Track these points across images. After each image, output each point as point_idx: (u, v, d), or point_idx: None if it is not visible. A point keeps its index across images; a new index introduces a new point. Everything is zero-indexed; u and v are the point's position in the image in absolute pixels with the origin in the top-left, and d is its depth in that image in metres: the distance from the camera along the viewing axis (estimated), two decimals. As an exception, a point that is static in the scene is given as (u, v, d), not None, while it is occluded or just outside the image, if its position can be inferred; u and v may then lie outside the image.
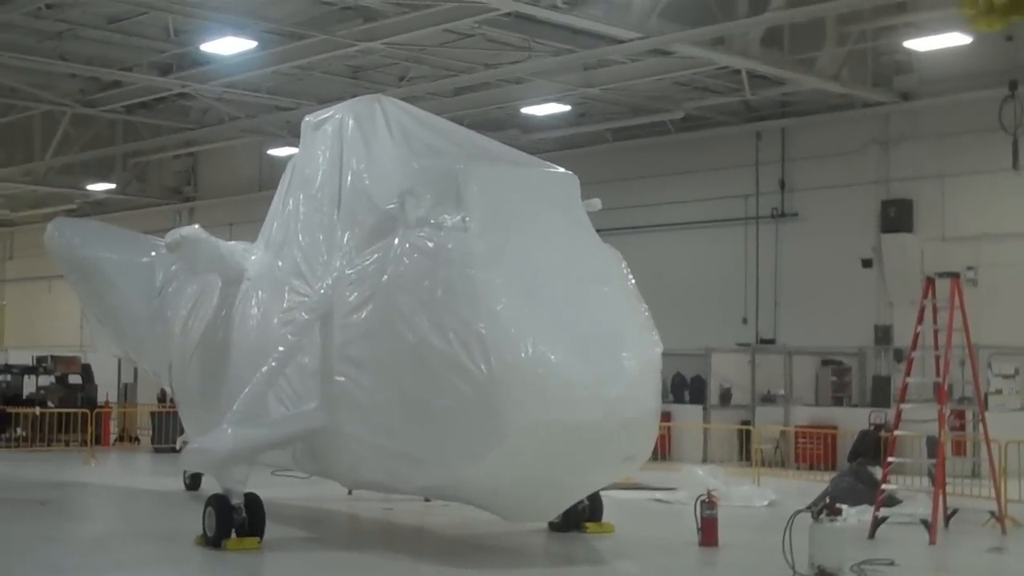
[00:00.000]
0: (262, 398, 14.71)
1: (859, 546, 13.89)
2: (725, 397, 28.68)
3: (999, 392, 25.22)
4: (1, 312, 32.46)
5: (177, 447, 22.46)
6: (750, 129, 32.50)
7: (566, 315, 13.20)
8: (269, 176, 41.89)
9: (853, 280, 30.66)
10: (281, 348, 14.73)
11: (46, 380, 31.33)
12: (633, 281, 14.40)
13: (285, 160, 38.54)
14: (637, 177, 33.77)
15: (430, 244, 13.54)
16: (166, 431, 29.07)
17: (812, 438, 26.04)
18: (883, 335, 30.38)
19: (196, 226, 16.90)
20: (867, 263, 30.57)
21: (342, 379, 14.27)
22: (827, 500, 13.35)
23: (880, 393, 29.04)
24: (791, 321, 31.87)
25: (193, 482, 20.64)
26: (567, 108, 31.89)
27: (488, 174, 14.16)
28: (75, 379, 31.43)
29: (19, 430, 29.89)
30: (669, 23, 24.79)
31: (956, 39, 25.65)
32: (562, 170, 14.95)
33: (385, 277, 13.95)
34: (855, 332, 30.40)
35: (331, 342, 14.54)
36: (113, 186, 41.46)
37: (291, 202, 16.49)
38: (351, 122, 15.61)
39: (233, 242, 17.54)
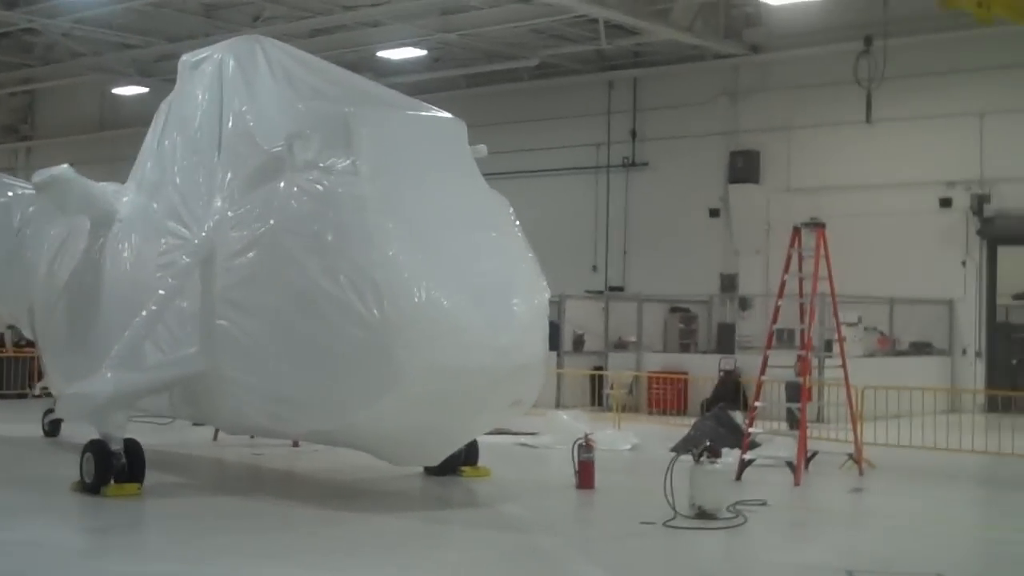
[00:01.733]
0: (141, 342, 14.46)
1: (728, 488, 14.27)
2: (578, 343, 29.11)
3: (843, 339, 26.02)
4: None
5: (36, 392, 21.96)
6: (603, 78, 32.95)
7: (457, 261, 13.28)
8: (111, 115, 41.11)
9: (701, 229, 31.42)
10: (161, 292, 14.48)
11: None
12: (519, 227, 14.54)
13: (130, 99, 38.13)
14: (491, 124, 33.56)
15: (320, 187, 13.46)
16: (11, 377, 28.36)
17: (664, 383, 26.64)
18: (728, 283, 31.24)
19: (65, 166, 16.40)
20: (714, 213, 31.36)
21: (224, 323, 14.11)
22: (708, 443, 13.72)
23: (726, 340, 29.85)
24: (640, 269, 32.50)
25: (52, 428, 20.25)
26: (423, 53, 31.89)
27: (378, 118, 14.12)
28: (-90, 324, 30.33)
29: None
30: (530, -30, 25.02)
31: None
32: (450, 115, 14.97)
33: (271, 220, 13.81)
34: (702, 280, 31.18)
35: (212, 286, 14.34)
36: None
37: (166, 143, 16.15)
38: (231, 62, 15.36)
39: (104, 183, 17.10)
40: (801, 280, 17.46)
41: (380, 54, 31.66)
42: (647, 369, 27.41)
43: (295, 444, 19.07)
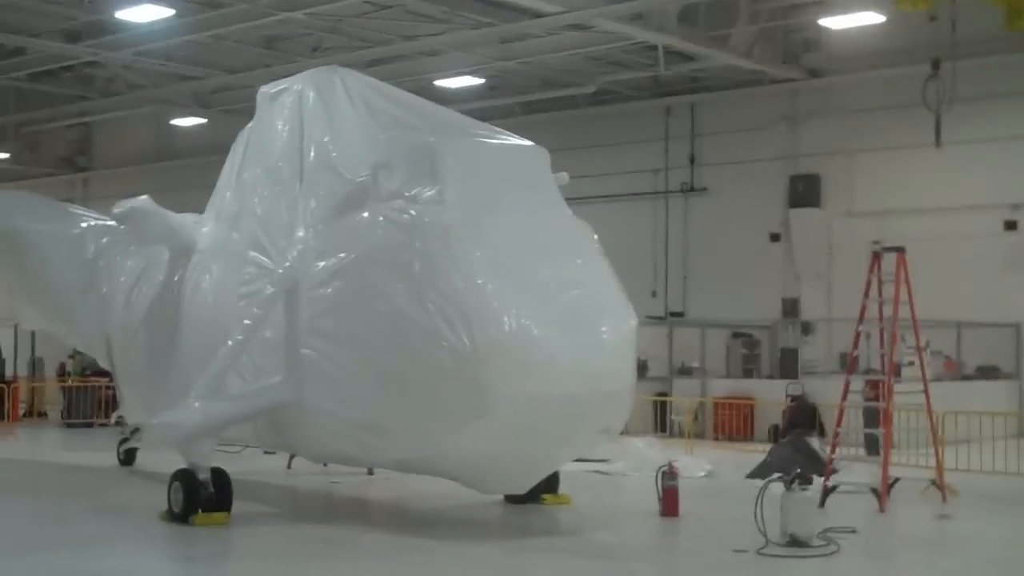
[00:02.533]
0: (227, 372, 14.53)
1: (818, 515, 14.16)
2: (641, 369, 28.92)
3: (911, 364, 25.86)
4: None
5: (112, 422, 22.12)
6: (660, 104, 32.95)
7: (545, 289, 13.29)
8: (167, 146, 41.45)
9: (761, 254, 31.28)
10: (247, 322, 14.57)
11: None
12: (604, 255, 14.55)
13: (186, 130, 38.39)
14: (548, 151, 33.86)
15: (406, 217, 13.51)
16: (77, 406, 28.61)
17: (730, 409, 26.52)
18: (790, 308, 31.08)
19: (145, 197, 16.54)
20: (775, 237, 31.24)
21: (309, 352, 14.18)
22: (798, 471, 13.63)
23: (788, 365, 29.69)
24: (700, 294, 32.41)
25: (127, 457, 20.42)
26: (481, 81, 31.97)
27: (462, 147, 14.17)
28: (-18, 355, 30.78)
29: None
30: (591, -1, 25.07)
31: (870, 18, 26.38)
32: (532, 144, 15.01)
33: (357, 250, 13.88)
34: (763, 305, 31.03)
35: (297, 315, 14.41)
36: (6, 156, 40.42)
37: (246, 174, 16.25)
38: (311, 93, 15.45)
39: (183, 214, 17.22)
40: (881, 305, 17.27)
41: (437, 83, 31.72)
42: (712, 395, 27.30)
43: (370, 472, 19.11)
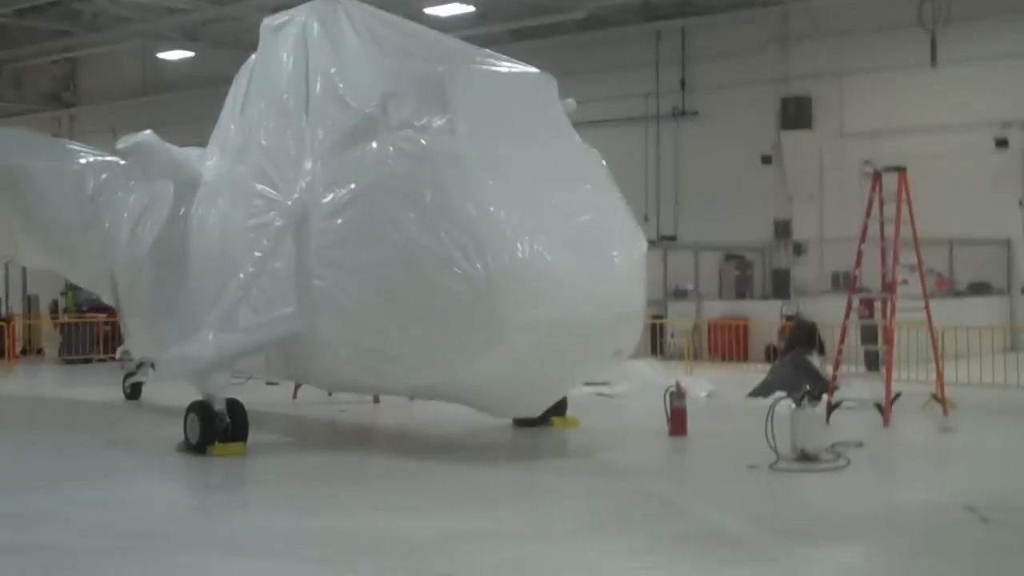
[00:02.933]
0: (239, 304, 14.65)
1: (827, 430, 14.42)
2: (636, 293, 29.17)
3: (905, 282, 26.08)
4: None
5: (117, 356, 22.25)
6: (650, 28, 32.95)
7: (556, 215, 13.41)
8: (154, 80, 41.26)
9: (752, 177, 31.43)
10: (257, 253, 14.65)
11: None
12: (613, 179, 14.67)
13: (174, 64, 38.19)
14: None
15: (417, 146, 13.58)
16: (75, 342, 28.72)
17: (725, 330, 26.78)
18: (782, 229, 31.28)
19: (149, 132, 16.52)
20: (766, 160, 31.36)
21: (321, 283, 14.30)
22: (807, 387, 13.86)
23: (781, 286, 30.02)
24: (692, 218, 32.58)
25: (133, 391, 20.61)
26: (471, 9, 31.87)
27: (471, 75, 14.20)
28: (-23, 293, 30.84)
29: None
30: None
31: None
32: (539, 71, 15.07)
33: (367, 180, 13.96)
34: (755, 228, 31.24)
35: (307, 246, 14.51)
36: (-8, 92, 40.32)
37: (250, 107, 16.25)
38: (315, 25, 15.42)
39: (187, 148, 17.22)
40: (882, 224, 17.45)
41: (428, 11, 31.58)
42: (707, 316, 27.55)
43: (375, 400, 19.34)
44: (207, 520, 11.37)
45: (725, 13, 31.52)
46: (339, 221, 14.23)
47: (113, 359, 28.39)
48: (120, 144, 16.64)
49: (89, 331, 28.75)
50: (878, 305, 25.83)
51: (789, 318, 26.03)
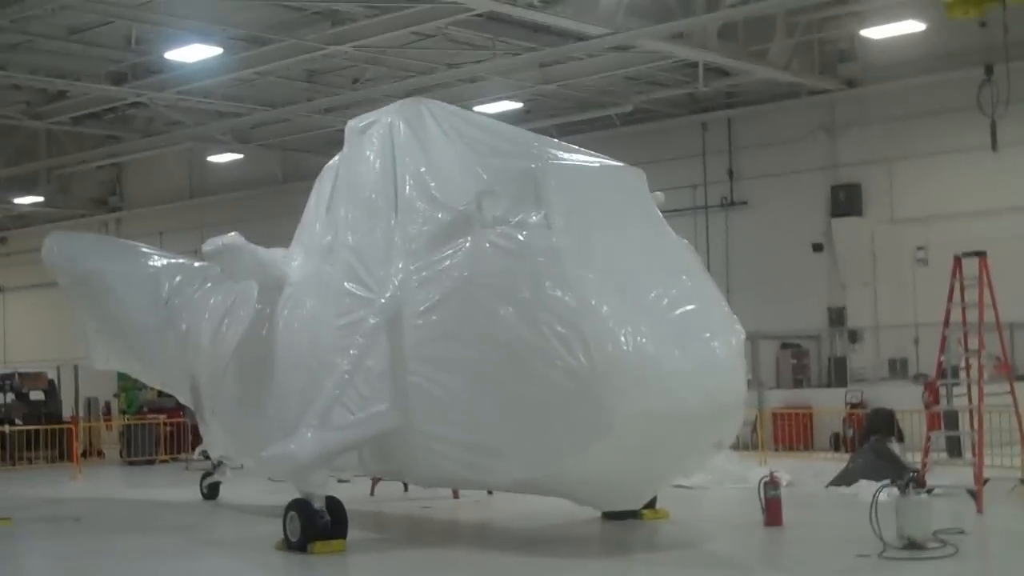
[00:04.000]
0: (336, 402, 14.73)
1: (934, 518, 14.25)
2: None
3: (968, 368, 26.00)
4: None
5: (195, 456, 22.32)
6: (696, 120, 33.21)
7: (656, 307, 13.51)
8: (200, 183, 41.74)
9: (804, 264, 31.48)
10: (352, 352, 14.76)
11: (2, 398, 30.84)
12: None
13: (220, 167, 38.69)
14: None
15: (515, 242, 13.74)
16: (138, 444, 28.82)
17: (789, 419, 26.72)
18: (837, 317, 31.26)
19: (234, 233, 16.75)
20: (818, 247, 31.42)
21: (417, 379, 14.39)
22: (913, 474, 13.84)
23: (838, 373, 29.99)
24: (745, 307, 32.15)
25: (211, 491, 20.64)
26: (519, 105, 32.25)
27: (564, 171, 14.41)
28: (36, 395, 30.96)
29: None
30: (633, 19, 25.31)
31: (911, 26, 26.68)
32: (627, 165, 15.28)
33: (464, 276, 14.11)
34: (809, 315, 31.23)
35: (401, 343, 14.63)
36: (41, 199, 40.74)
37: (336, 206, 16.49)
38: (402, 125, 15.71)
39: (271, 249, 17.41)
40: (964, 309, 17.50)
41: (477, 108, 31.91)
42: (769, 406, 27.49)
43: (455, 495, 19.36)
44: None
45: (771, 103, 31.77)
46: (434, 317, 14.36)
47: (176, 460, 28.64)
48: (206, 247, 16.84)
49: (151, 432, 28.85)
50: (943, 391, 25.94)
51: (854, 406, 26.00)
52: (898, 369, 29.85)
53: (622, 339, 13.02)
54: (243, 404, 17.61)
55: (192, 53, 26.43)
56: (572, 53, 27.89)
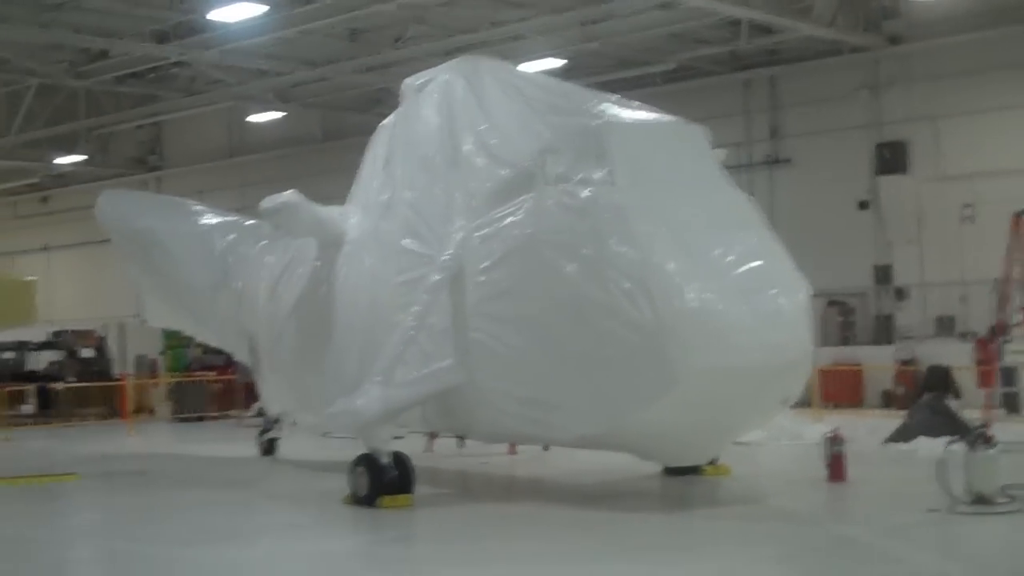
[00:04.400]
0: (401, 358, 14.80)
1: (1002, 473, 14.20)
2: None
3: (1021, 324, 25.94)
4: (29, 287, 31.96)
5: (250, 414, 22.47)
6: (738, 78, 33.01)
7: (721, 262, 13.53)
8: (240, 142, 41.78)
9: (850, 222, 31.32)
10: (415, 308, 14.79)
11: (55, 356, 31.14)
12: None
13: (261, 126, 38.71)
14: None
15: (580, 199, 13.74)
16: (188, 401, 29.04)
17: (838, 376, 26.68)
18: (883, 275, 31.11)
19: (292, 191, 16.77)
20: (863, 205, 31.25)
21: (480, 335, 14.43)
22: (982, 428, 13.79)
23: (884, 331, 29.92)
24: (789, 265, 32.43)
25: (269, 447, 20.77)
26: (561, 62, 32.11)
27: (627, 128, 14.41)
28: (87, 353, 31.22)
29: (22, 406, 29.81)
30: (679, -24, 25.21)
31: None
32: (689, 122, 15.24)
33: (527, 232, 14.11)
34: (855, 273, 31.08)
35: (463, 300, 14.68)
36: (84, 158, 40.86)
37: (393, 164, 16.50)
38: (459, 82, 15.72)
39: (328, 206, 17.44)
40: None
41: (518, 66, 31.83)
42: (818, 363, 27.39)
43: (512, 451, 19.45)
44: (398, 570, 11.55)
45: (814, 60, 31.55)
46: (497, 274, 14.39)
47: (226, 416, 28.85)
48: (264, 204, 16.88)
49: (201, 389, 29.06)
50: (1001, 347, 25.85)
51: (905, 363, 25.96)
52: (945, 326, 29.73)
53: (688, 294, 13.04)
54: (302, 361, 17.71)
55: (237, 12, 26.40)
56: (616, 11, 27.76)
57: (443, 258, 14.94)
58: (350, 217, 17.16)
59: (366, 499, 14.53)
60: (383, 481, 14.51)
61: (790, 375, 13.77)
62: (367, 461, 14.66)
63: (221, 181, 41.60)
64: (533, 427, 14.41)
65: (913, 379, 26.36)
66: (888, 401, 25.93)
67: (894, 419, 22.26)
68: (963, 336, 28.79)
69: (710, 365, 12.96)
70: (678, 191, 14.05)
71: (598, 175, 13.85)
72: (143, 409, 30.56)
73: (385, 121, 17.29)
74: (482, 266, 14.55)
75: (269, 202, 16.80)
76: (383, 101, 36.36)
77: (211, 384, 29.29)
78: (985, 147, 29.20)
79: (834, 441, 15.50)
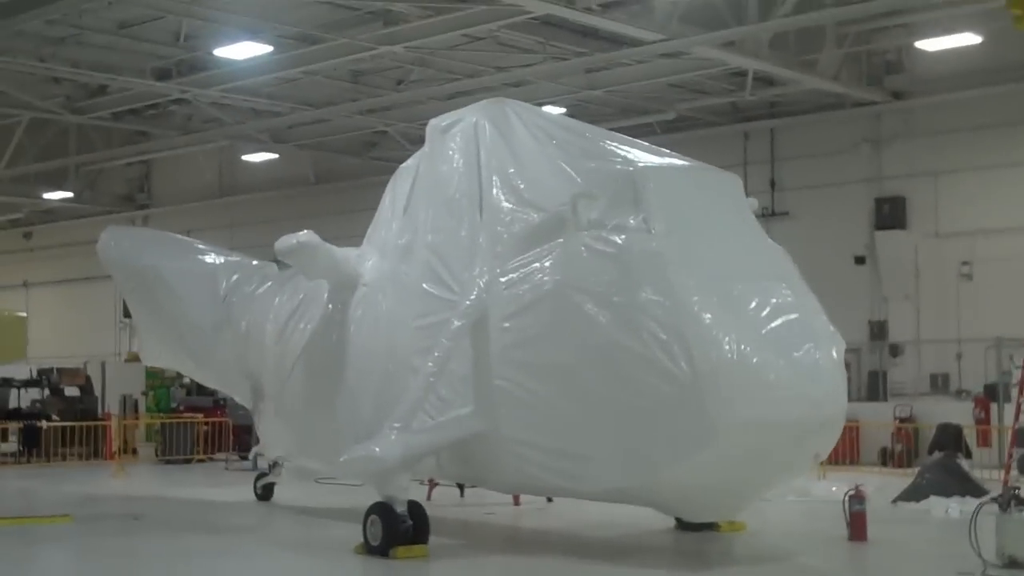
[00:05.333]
0: (421, 404, 14.48)
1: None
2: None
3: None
4: (20, 323, 31.55)
5: (250, 457, 22.06)
6: (738, 130, 32.95)
7: (757, 314, 13.27)
8: (230, 182, 41.49)
9: (847, 277, 31.20)
10: (436, 354, 14.45)
11: (39, 393, 30.59)
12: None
13: (252, 166, 38.44)
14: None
15: (614, 245, 13.48)
16: (174, 443, 28.54)
17: (837, 433, 26.39)
18: (878, 330, 31.01)
19: (308, 231, 16.45)
20: (860, 260, 31.17)
21: (504, 383, 14.12)
22: (1015, 491, 13.55)
23: (876, 387, 29.79)
24: (784, 319, 32.26)
25: (265, 492, 20.36)
26: (562, 110, 31.97)
27: (663, 175, 14.18)
28: (72, 391, 30.70)
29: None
30: (686, 27, 25.10)
31: (967, 39, 26.46)
32: (723, 170, 15.07)
33: (557, 279, 13.84)
34: (850, 328, 30.62)
35: (486, 346, 14.37)
36: (71, 194, 40.47)
37: (415, 206, 16.23)
38: (487, 125, 15.44)
39: (344, 248, 17.15)
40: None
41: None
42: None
43: (516, 502, 19.13)
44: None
45: (815, 113, 31.55)
46: (524, 320, 14.09)
47: (212, 459, 28.40)
48: (280, 244, 16.51)
49: (188, 431, 28.58)
50: (993, 408, 25.72)
51: (903, 420, 25.77)
52: (940, 384, 29.63)
53: (726, 346, 12.75)
54: (311, 404, 17.35)
55: (242, 51, 26.17)
56: (622, 59, 27.66)
57: (466, 303, 14.63)
58: (366, 259, 16.88)
59: (379, 549, 14.14)
60: (398, 531, 14.13)
61: (826, 431, 13.53)
62: (382, 510, 14.27)
63: (210, 221, 41.27)
64: (559, 478, 14.03)
65: (911, 437, 26.21)
66: (886, 459, 25.73)
67: (893, 477, 22.13)
68: (958, 394, 28.74)
69: (749, 419, 12.67)
70: (714, 240, 13.82)
71: (633, 221, 13.59)
72: (127, 450, 30.01)
73: (407, 163, 17.00)
74: (507, 312, 14.25)
75: (284, 242, 16.44)
76: (379, 144, 36.29)
77: (199, 426, 28.78)
78: (984, 204, 29.21)
79: (856, 499, 15.22)
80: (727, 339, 12.80)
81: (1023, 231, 28.64)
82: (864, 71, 29.90)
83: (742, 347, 12.80)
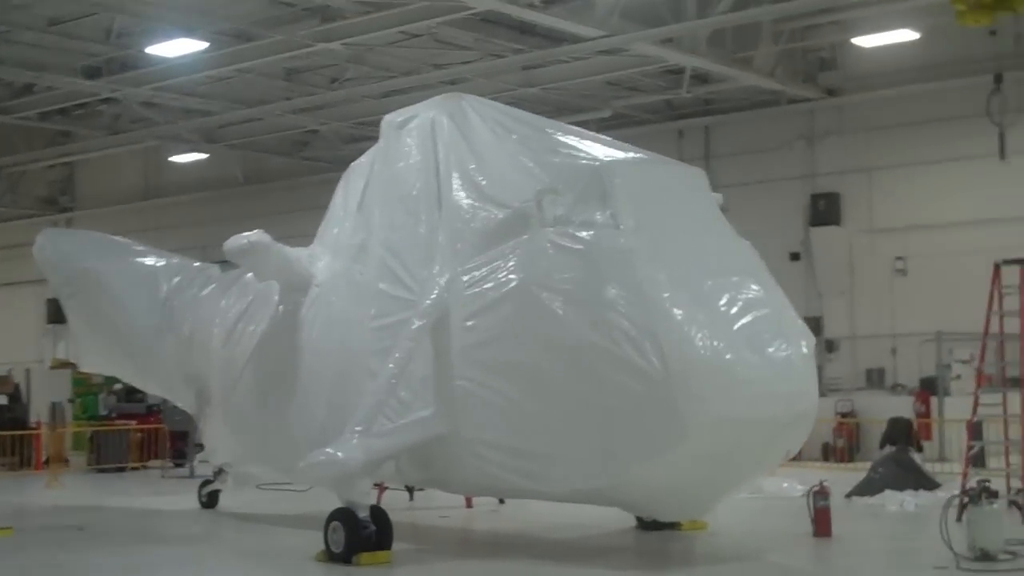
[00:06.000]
0: (383, 407, 14.15)
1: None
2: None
3: (958, 377, 26.07)
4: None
5: (194, 463, 21.54)
6: (672, 127, 32.92)
7: (727, 310, 13.05)
8: (156, 183, 40.78)
9: (782, 273, 30.73)
10: (397, 355, 14.12)
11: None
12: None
13: (180, 167, 37.77)
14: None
15: (581, 242, 13.25)
16: (107, 451, 27.90)
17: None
18: (813, 327, 30.83)
19: (259, 231, 16.03)
20: (795, 256, 31.27)
21: (466, 383, 13.81)
22: (986, 483, 13.53)
23: (815, 382, 29.81)
24: (721, 316, 32.28)
25: (210, 500, 19.89)
26: (497, 108, 31.74)
27: (629, 170, 13.96)
28: (0, 400, 29.92)
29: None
30: (626, 23, 25.02)
31: (905, 35, 26.66)
32: (689, 165, 14.90)
33: (521, 277, 13.58)
34: (786, 324, 31.00)
35: (447, 346, 14.08)
36: (-9, 197, 39.60)
37: (369, 204, 15.88)
38: (444, 120, 15.16)
39: (295, 248, 16.74)
40: (1002, 317, 17.31)
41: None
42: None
43: (468, 504, 18.88)
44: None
45: (750, 111, 31.60)
46: (487, 320, 13.81)
47: (146, 467, 27.82)
48: (229, 244, 16.06)
49: (121, 439, 27.95)
50: (934, 401, 25.89)
51: (844, 415, 25.85)
52: (875, 379, 29.81)
53: (698, 343, 12.55)
54: (262, 408, 16.92)
55: (175, 48, 25.70)
56: (560, 56, 27.51)
57: (426, 302, 14.32)
58: (318, 259, 16.50)
59: (342, 556, 13.76)
60: (361, 537, 13.76)
61: (798, 427, 13.35)
62: (344, 516, 13.90)
63: (136, 223, 40.38)
64: (524, 479, 13.71)
65: (853, 432, 26.32)
66: (827, 454, 25.80)
67: (838, 472, 22.10)
68: (893, 388, 28.93)
69: (722, 416, 12.46)
70: (682, 235, 13.61)
71: (601, 217, 13.36)
72: (58, 459, 29.28)
73: (359, 160, 16.64)
74: (470, 311, 13.95)
75: (235, 242, 15.99)
76: (310, 144, 35.83)
77: (132, 433, 28.16)
78: (918, 200, 29.39)
79: (820, 495, 15.14)
80: (699, 336, 12.60)
81: (956, 226, 28.80)
82: (800, 68, 29.99)
83: (714, 343, 12.61)
